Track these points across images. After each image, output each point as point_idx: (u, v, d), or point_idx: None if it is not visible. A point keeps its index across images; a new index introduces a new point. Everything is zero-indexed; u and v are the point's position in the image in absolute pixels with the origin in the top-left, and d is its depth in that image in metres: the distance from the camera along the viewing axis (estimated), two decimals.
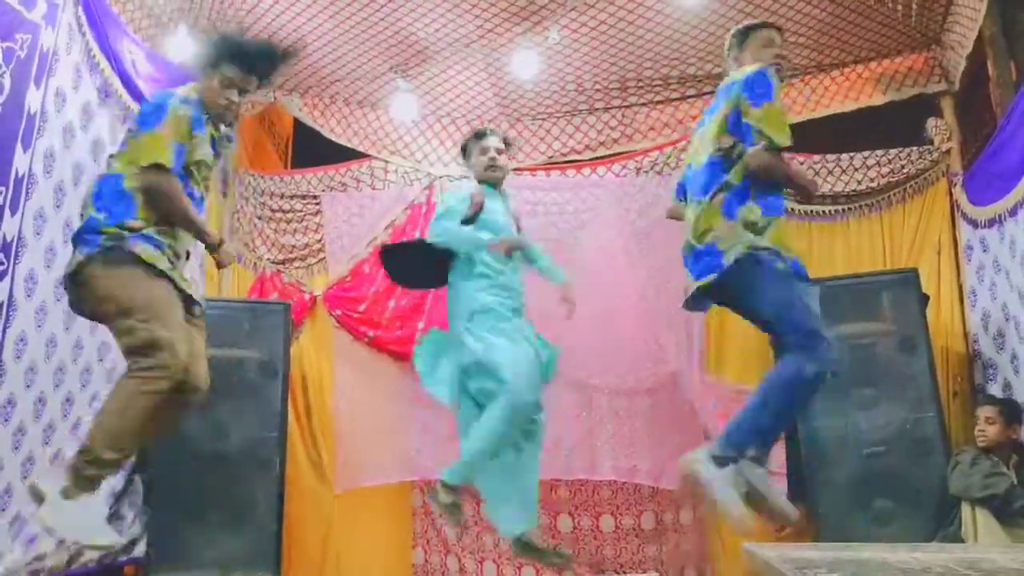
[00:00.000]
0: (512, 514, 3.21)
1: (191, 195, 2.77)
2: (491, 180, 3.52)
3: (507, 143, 3.61)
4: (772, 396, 2.52)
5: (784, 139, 2.67)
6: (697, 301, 2.84)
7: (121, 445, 2.50)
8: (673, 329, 4.58)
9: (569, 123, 5.22)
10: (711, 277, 2.69)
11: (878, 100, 4.77)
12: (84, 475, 2.46)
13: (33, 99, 3.31)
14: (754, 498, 2.37)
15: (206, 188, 2.91)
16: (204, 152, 2.81)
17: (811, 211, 4.74)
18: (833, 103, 4.82)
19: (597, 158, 5.12)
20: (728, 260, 2.68)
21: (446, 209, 3.40)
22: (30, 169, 3.31)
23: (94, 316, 2.80)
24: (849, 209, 4.74)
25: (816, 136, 4.95)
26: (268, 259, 5.01)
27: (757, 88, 2.73)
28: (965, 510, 3.42)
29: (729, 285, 2.69)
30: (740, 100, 2.73)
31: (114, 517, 3.82)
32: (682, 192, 3.01)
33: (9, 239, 3.21)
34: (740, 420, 2.55)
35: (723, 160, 2.78)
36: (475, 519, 4.60)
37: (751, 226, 2.68)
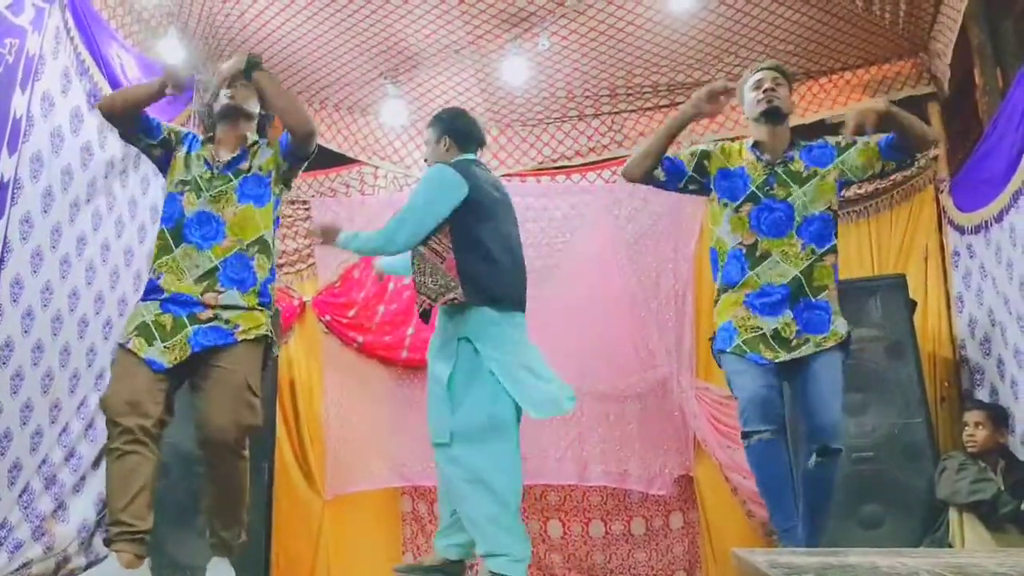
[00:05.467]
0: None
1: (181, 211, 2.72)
2: None
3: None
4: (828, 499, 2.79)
5: None
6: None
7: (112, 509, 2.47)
8: (663, 334, 4.59)
9: (559, 129, 5.23)
10: (842, 332, 2.79)
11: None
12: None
13: (19, 104, 3.30)
14: None
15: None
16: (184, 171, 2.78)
17: None
18: (822, 109, 4.84)
19: (587, 164, 5.13)
20: (842, 331, 2.80)
21: None
22: (16, 174, 3.30)
23: None
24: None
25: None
26: None
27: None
28: (952, 515, 3.43)
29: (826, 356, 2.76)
30: (866, 142, 2.85)
31: (101, 524, 3.80)
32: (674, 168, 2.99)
33: None
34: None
35: (833, 221, 2.86)
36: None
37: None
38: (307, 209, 5.07)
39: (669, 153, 3.00)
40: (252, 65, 2.73)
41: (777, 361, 2.77)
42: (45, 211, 3.48)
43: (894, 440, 3.75)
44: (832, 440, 2.70)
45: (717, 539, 4.38)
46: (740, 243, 2.88)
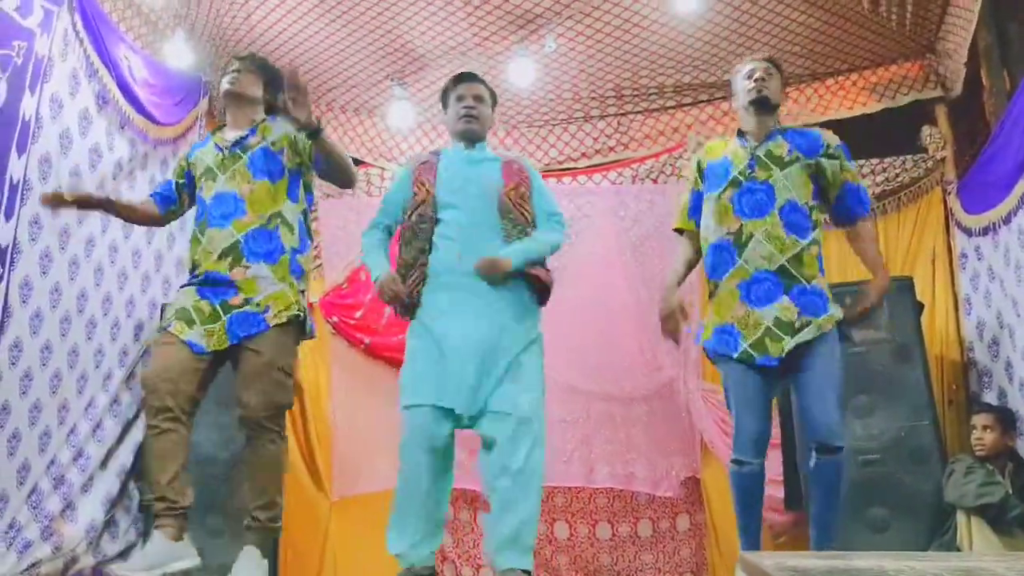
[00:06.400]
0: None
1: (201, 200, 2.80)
2: (465, 135, 2.93)
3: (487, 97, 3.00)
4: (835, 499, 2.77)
5: None
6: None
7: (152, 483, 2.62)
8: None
9: (565, 131, 5.23)
10: (837, 317, 2.78)
11: (873, 107, 4.78)
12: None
13: (28, 105, 3.32)
14: None
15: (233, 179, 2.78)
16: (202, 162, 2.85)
17: None
18: (828, 111, 4.83)
19: (593, 166, 5.13)
20: (837, 313, 2.79)
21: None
22: (25, 175, 3.32)
23: None
24: None
25: None
26: None
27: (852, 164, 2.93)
28: (960, 519, 3.42)
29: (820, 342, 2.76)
30: (844, 167, 2.87)
31: (108, 524, 3.81)
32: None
33: (4, 245, 3.22)
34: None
35: (810, 218, 2.84)
36: (471, 526, 4.61)
37: None
38: (314, 210, 5.07)
39: (673, 154, 3.03)
40: (317, 131, 2.75)
41: (785, 354, 2.73)
42: (54, 212, 3.50)
43: (901, 443, 3.74)
44: (831, 438, 2.68)
45: (724, 541, 4.37)
46: (727, 232, 2.84)
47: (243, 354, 2.64)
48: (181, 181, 2.90)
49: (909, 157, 4.70)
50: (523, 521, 2.59)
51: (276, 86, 2.86)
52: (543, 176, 5.09)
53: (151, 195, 2.93)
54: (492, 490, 2.65)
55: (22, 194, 3.29)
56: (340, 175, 2.87)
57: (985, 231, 4.03)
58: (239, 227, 2.68)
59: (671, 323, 2.89)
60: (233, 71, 2.85)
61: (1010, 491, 3.36)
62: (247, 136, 2.80)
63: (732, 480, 2.82)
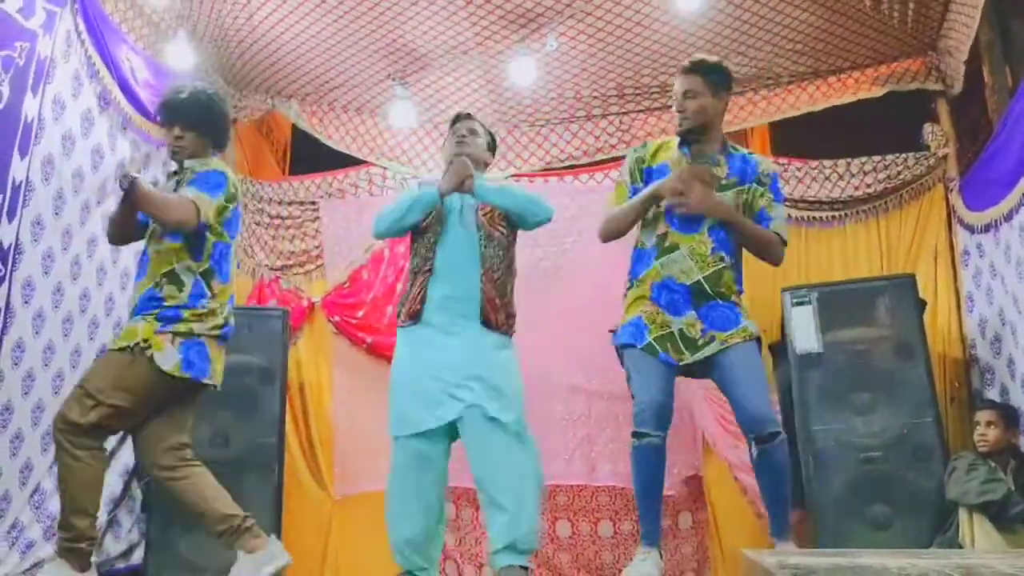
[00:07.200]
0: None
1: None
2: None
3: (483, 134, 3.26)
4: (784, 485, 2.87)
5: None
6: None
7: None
8: None
9: (567, 130, 5.23)
10: (752, 331, 2.82)
11: (877, 92, 4.77)
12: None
13: (30, 106, 3.32)
14: None
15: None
16: None
17: (808, 217, 4.75)
18: (831, 100, 4.83)
19: (595, 164, 5.13)
20: (752, 329, 2.83)
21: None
22: (27, 176, 3.32)
23: None
24: (846, 215, 4.75)
25: (813, 141, 4.96)
26: (266, 265, 5.02)
27: (779, 194, 2.97)
28: (963, 516, 3.42)
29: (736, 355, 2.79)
30: (764, 194, 2.90)
31: (111, 524, 3.82)
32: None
33: (6, 246, 3.22)
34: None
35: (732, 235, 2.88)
36: (473, 525, 4.61)
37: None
38: (315, 210, 5.08)
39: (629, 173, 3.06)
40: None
41: (683, 363, 2.80)
42: (56, 213, 3.50)
43: (903, 440, 3.74)
44: (763, 427, 2.71)
45: (726, 539, 4.37)
46: (654, 235, 2.91)
47: None
48: None
49: (911, 154, 4.70)
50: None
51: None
52: (544, 175, 5.13)
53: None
54: None
55: (24, 195, 3.30)
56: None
57: (987, 228, 4.03)
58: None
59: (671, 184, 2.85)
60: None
61: (1012, 488, 3.36)
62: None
63: (633, 455, 2.78)
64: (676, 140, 3.02)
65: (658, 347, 2.81)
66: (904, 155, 4.71)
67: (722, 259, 2.84)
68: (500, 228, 3.04)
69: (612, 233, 3.01)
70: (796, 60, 4.74)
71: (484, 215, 3.03)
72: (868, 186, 4.72)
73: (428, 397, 2.91)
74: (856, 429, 3.79)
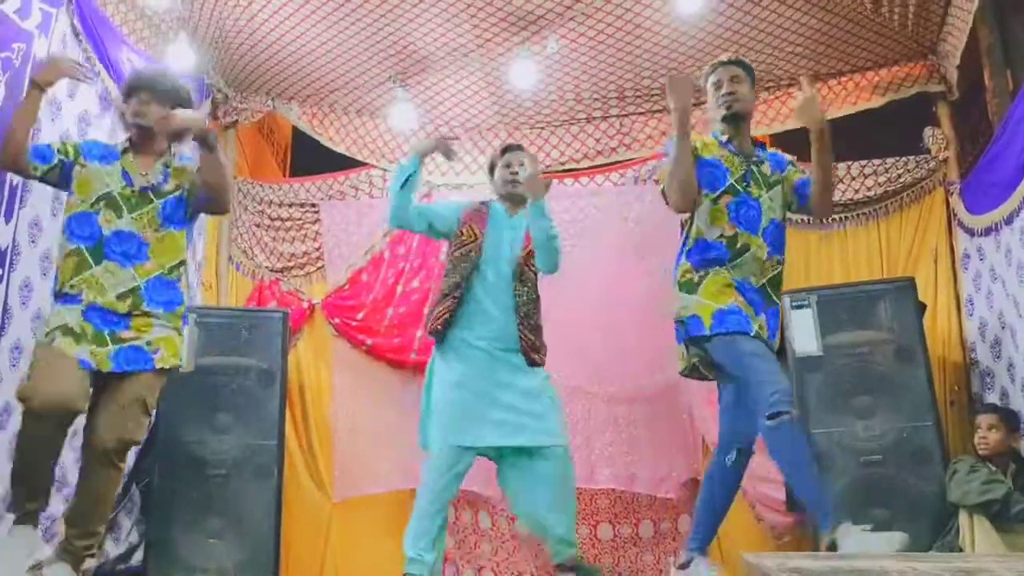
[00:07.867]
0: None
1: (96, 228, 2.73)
2: (510, 197, 3.37)
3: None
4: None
5: None
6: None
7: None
8: (672, 337, 4.57)
9: (567, 132, 5.23)
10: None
11: (877, 102, 4.77)
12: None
13: None
14: None
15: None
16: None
17: (808, 220, 4.74)
18: (831, 109, 4.82)
19: (595, 167, 5.13)
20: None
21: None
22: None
23: None
24: (846, 218, 4.74)
25: None
26: (267, 267, 5.02)
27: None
28: (963, 518, 3.41)
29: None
30: (795, 172, 2.92)
31: (111, 527, 3.80)
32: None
33: (3, 247, 3.21)
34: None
35: (785, 230, 2.88)
36: (472, 528, 4.60)
37: None
38: (316, 212, 5.08)
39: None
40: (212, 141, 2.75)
41: None
42: (54, 214, 3.49)
43: (903, 444, 3.73)
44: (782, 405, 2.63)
45: (726, 542, 4.35)
46: (721, 235, 2.81)
47: (113, 384, 2.66)
48: (63, 159, 2.77)
49: (912, 158, 4.70)
50: None
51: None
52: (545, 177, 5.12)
53: (33, 146, 2.76)
54: None
55: (21, 196, 3.29)
56: (218, 199, 2.84)
57: (987, 231, 4.02)
58: (141, 272, 2.74)
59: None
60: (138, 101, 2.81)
61: (1012, 488, 3.36)
62: (162, 182, 2.83)
63: (778, 431, 2.53)
64: (712, 137, 2.96)
65: (763, 335, 2.76)
66: (905, 158, 4.71)
67: (779, 262, 2.83)
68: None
69: (679, 189, 2.75)
70: (796, 63, 4.74)
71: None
72: (868, 189, 4.72)
73: (489, 417, 3.09)
74: (856, 432, 3.79)
